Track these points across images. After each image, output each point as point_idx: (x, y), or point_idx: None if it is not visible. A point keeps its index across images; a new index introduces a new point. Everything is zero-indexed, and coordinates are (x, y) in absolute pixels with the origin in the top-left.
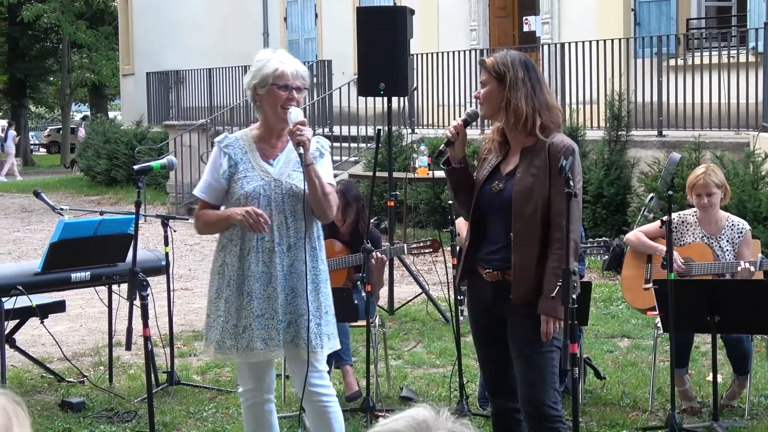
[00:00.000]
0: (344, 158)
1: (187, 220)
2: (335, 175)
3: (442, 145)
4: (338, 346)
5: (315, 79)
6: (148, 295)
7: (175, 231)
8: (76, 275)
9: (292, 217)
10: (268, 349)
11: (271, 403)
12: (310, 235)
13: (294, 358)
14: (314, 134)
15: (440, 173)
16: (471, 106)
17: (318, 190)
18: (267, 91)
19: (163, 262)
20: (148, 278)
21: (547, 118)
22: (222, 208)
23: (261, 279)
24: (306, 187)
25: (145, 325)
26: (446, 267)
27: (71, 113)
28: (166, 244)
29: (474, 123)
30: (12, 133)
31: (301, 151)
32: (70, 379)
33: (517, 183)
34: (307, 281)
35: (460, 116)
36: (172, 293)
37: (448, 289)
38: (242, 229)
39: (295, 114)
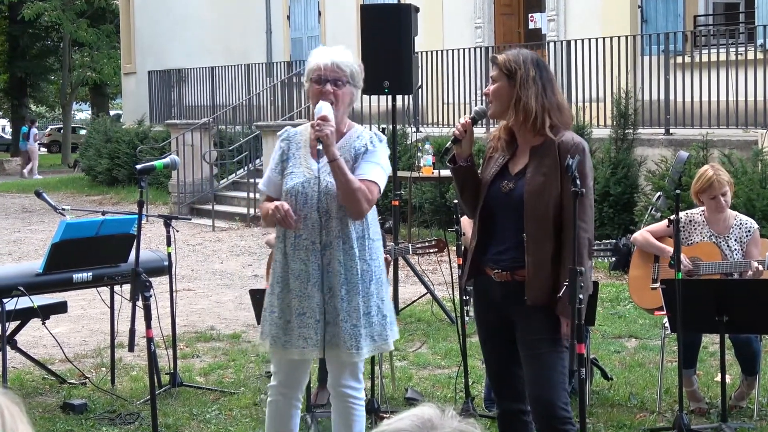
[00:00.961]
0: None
1: (190, 220)
2: None
3: (449, 142)
4: (388, 348)
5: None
6: (150, 295)
7: (177, 231)
8: (78, 276)
9: (326, 215)
10: (307, 347)
11: (297, 404)
12: (347, 234)
13: (332, 358)
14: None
15: (445, 172)
16: (477, 104)
17: (343, 186)
18: (309, 87)
19: (166, 263)
20: (150, 279)
21: (557, 118)
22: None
23: (300, 277)
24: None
25: (148, 326)
26: (451, 267)
27: (72, 112)
28: (169, 244)
29: (481, 121)
30: (34, 131)
31: (320, 147)
32: (71, 381)
33: (528, 183)
34: (341, 282)
35: (465, 115)
36: (174, 294)
37: (453, 289)
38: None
39: (319, 108)
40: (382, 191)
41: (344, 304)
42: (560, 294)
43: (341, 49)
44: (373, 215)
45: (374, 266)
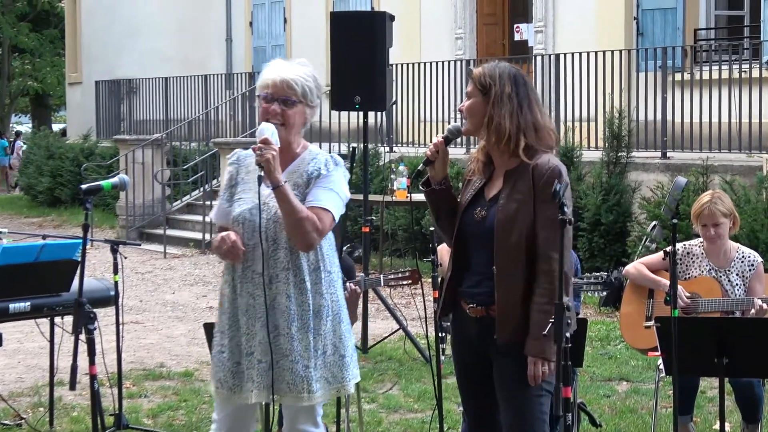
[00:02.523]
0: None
1: (139, 245)
2: None
3: (421, 164)
4: (347, 391)
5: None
6: (95, 328)
7: (125, 258)
8: (14, 306)
9: (274, 245)
10: (254, 391)
11: None
12: (298, 266)
13: (285, 401)
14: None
15: (420, 196)
16: (455, 122)
17: (287, 215)
18: (258, 105)
19: (112, 292)
20: (95, 310)
21: (533, 139)
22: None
23: (248, 313)
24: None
25: (92, 362)
26: (425, 301)
27: (11, 125)
28: (116, 272)
29: (458, 141)
30: (19, 143)
31: (260, 173)
32: (5, 422)
33: (500, 210)
34: (290, 318)
35: (440, 134)
36: (121, 327)
37: (428, 325)
38: None
39: (261, 130)
40: (336, 220)
41: (294, 343)
42: (545, 332)
43: (297, 63)
44: (329, 245)
45: (331, 301)
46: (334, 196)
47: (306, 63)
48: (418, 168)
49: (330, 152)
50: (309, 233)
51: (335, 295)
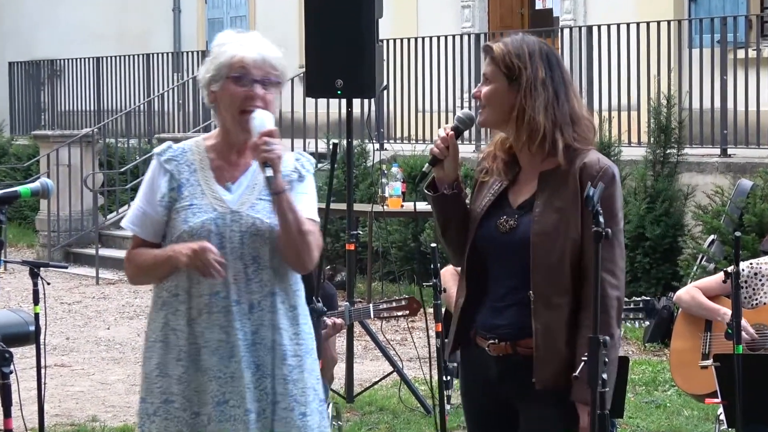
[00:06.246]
0: None
1: (66, 268)
2: None
3: (426, 164)
4: None
5: None
6: (10, 372)
7: (48, 284)
8: None
9: (254, 264)
10: None
11: None
12: (286, 290)
13: None
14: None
15: (421, 205)
16: (464, 109)
17: (292, 228)
18: (221, 88)
19: (32, 328)
20: (10, 349)
21: (570, 135)
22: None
23: (219, 351)
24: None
25: (7, 414)
26: (429, 336)
27: None
28: (36, 302)
29: (464, 134)
30: None
31: (269, 173)
32: None
33: (537, 221)
34: (281, 354)
35: (446, 124)
36: (43, 371)
37: (430, 367)
38: (190, 278)
39: (261, 120)
40: None
41: (290, 386)
42: (576, 373)
43: (257, 37)
44: None
45: (306, 333)
46: (315, 204)
47: (262, 37)
48: (423, 169)
49: (306, 150)
50: (313, 250)
51: (308, 325)
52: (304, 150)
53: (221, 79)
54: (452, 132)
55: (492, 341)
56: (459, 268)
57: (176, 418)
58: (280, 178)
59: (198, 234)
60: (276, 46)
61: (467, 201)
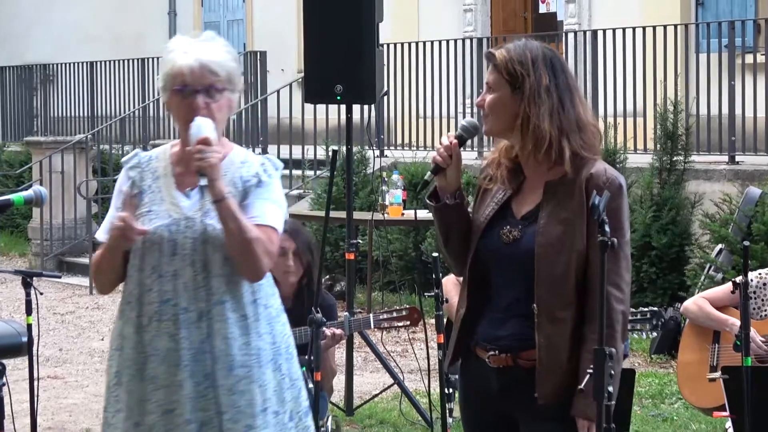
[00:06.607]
0: (283, 191)
1: (59, 278)
2: None
3: (428, 173)
4: None
5: (242, 78)
6: (3, 384)
7: (41, 294)
8: None
9: (204, 272)
10: None
11: None
12: (237, 297)
13: None
14: (258, 153)
15: (422, 213)
16: (466, 117)
17: (235, 235)
18: (168, 99)
19: (25, 338)
20: (2, 361)
21: (577, 143)
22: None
23: (167, 360)
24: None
25: None
26: (428, 347)
27: None
28: (29, 312)
29: (470, 141)
30: None
31: (203, 182)
32: None
33: (542, 232)
34: (228, 365)
35: (450, 132)
36: (36, 383)
37: (431, 378)
38: (141, 285)
39: (198, 128)
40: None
41: (234, 397)
42: (581, 386)
43: (205, 39)
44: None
45: (271, 344)
46: (278, 210)
47: (216, 37)
48: (425, 178)
49: (308, 155)
50: (260, 259)
51: (283, 334)
52: (303, 157)
53: (167, 90)
54: (456, 140)
55: (492, 353)
56: (458, 280)
57: (119, 427)
58: (219, 185)
59: (150, 240)
60: (227, 48)
61: (469, 209)
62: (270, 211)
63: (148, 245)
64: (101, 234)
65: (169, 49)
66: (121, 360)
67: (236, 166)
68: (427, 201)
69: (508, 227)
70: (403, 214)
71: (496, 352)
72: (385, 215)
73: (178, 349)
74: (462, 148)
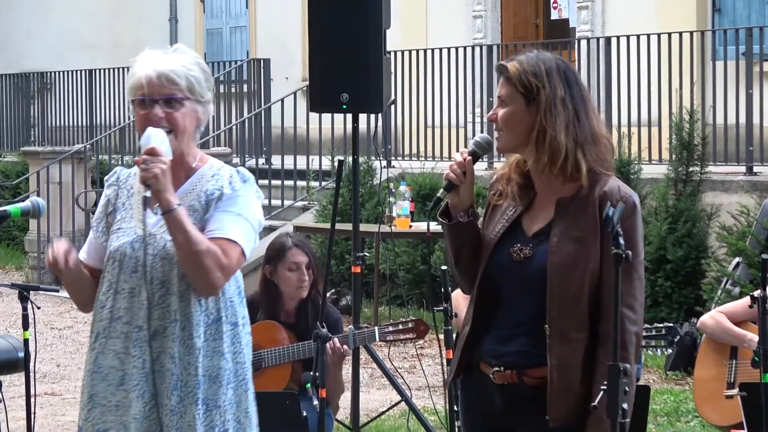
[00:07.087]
0: (287, 202)
1: (57, 291)
2: (273, 228)
3: (441, 190)
4: None
5: (245, 87)
6: None
7: (38, 308)
8: None
9: (162, 289)
10: None
11: None
12: (188, 316)
13: None
14: (235, 163)
15: (432, 226)
16: (478, 132)
17: (183, 248)
18: (133, 110)
19: (21, 354)
20: None
21: (592, 156)
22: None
23: (109, 378)
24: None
25: None
26: (443, 362)
27: None
28: (26, 327)
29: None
30: None
31: (147, 193)
32: None
33: (555, 252)
34: (171, 385)
35: (463, 148)
36: (33, 399)
37: (439, 395)
38: (97, 302)
39: (146, 138)
40: (247, 255)
41: (174, 418)
42: (594, 403)
43: (173, 51)
44: (235, 289)
45: (234, 363)
46: (242, 223)
47: (185, 49)
48: (438, 195)
49: (313, 165)
50: (211, 272)
51: (241, 356)
52: (308, 167)
53: (132, 102)
54: (470, 157)
55: (497, 369)
56: (468, 296)
57: None
58: (166, 196)
59: (113, 257)
60: (195, 59)
61: (479, 223)
62: (230, 224)
63: (110, 262)
64: (82, 254)
65: (133, 61)
66: (85, 378)
67: (205, 180)
68: (440, 219)
69: (519, 245)
70: (410, 226)
71: (502, 368)
72: (393, 227)
73: (124, 368)
74: (476, 164)
